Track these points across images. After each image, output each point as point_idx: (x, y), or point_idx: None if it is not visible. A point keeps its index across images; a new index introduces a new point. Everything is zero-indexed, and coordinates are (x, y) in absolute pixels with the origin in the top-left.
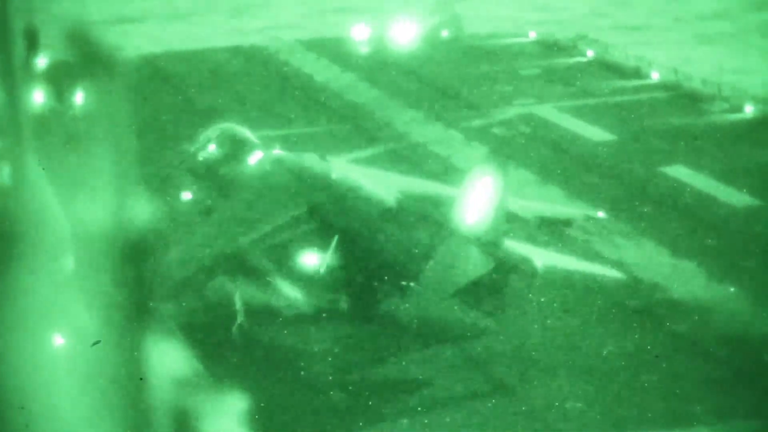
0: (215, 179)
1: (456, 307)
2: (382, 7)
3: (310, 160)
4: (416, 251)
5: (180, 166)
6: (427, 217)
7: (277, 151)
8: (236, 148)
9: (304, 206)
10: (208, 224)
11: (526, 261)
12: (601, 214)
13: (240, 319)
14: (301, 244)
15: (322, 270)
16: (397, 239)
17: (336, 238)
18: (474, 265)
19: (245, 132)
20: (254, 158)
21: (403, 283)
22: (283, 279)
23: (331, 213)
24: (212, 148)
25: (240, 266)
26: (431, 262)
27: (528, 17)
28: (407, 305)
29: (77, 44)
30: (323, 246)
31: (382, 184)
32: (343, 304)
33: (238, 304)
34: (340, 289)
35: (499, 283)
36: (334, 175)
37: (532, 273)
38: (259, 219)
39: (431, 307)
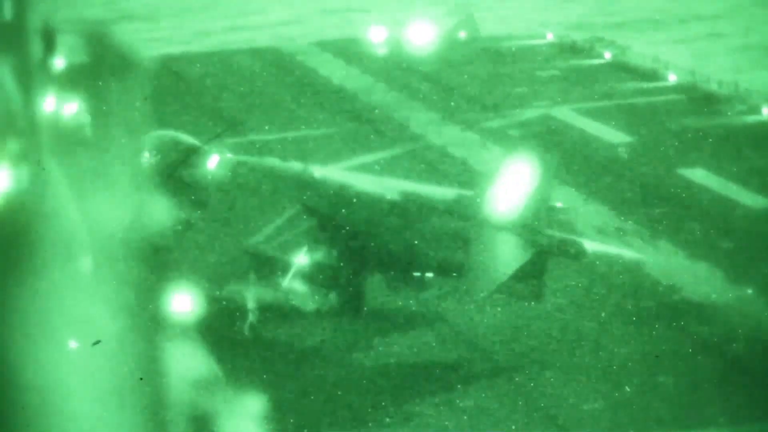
0: (176, 188)
1: (499, 308)
2: (389, 7)
3: (272, 161)
4: (447, 244)
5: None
6: (445, 211)
7: (230, 155)
8: (184, 154)
9: (297, 205)
10: (198, 231)
11: (572, 243)
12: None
13: (252, 318)
14: (310, 242)
15: (340, 266)
16: (418, 233)
17: (344, 233)
18: (513, 254)
19: (187, 137)
20: (212, 162)
21: (441, 276)
22: (297, 278)
23: (329, 210)
24: (155, 156)
25: (252, 267)
26: (468, 256)
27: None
28: (448, 302)
29: (94, 46)
30: (333, 243)
31: (377, 184)
32: (365, 301)
33: (251, 305)
34: (362, 286)
35: (539, 270)
36: (317, 175)
37: (580, 254)
38: (252, 221)
39: (475, 303)
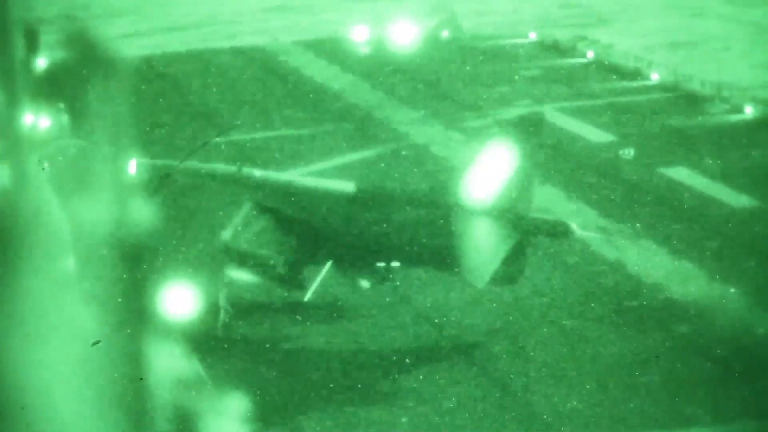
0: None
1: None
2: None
3: (199, 165)
4: (414, 233)
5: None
6: (416, 201)
7: (154, 161)
8: (90, 162)
9: (248, 204)
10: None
11: (558, 224)
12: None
13: (226, 316)
14: (270, 239)
15: (299, 259)
16: (384, 224)
17: (300, 227)
18: (488, 238)
19: (84, 144)
20: (132, 167)
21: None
22: (266, 273)
23: (283, 207)
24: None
25: (228, 263)
26: (437, 243)
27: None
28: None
29: (78, 45)
30: (291, 237)
31: (329, 181)
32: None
33: (224, 302)
34: (322, 277)
35: (517, 253)
36: (258, 174)
37: (565, 234)
38: (201, 223)
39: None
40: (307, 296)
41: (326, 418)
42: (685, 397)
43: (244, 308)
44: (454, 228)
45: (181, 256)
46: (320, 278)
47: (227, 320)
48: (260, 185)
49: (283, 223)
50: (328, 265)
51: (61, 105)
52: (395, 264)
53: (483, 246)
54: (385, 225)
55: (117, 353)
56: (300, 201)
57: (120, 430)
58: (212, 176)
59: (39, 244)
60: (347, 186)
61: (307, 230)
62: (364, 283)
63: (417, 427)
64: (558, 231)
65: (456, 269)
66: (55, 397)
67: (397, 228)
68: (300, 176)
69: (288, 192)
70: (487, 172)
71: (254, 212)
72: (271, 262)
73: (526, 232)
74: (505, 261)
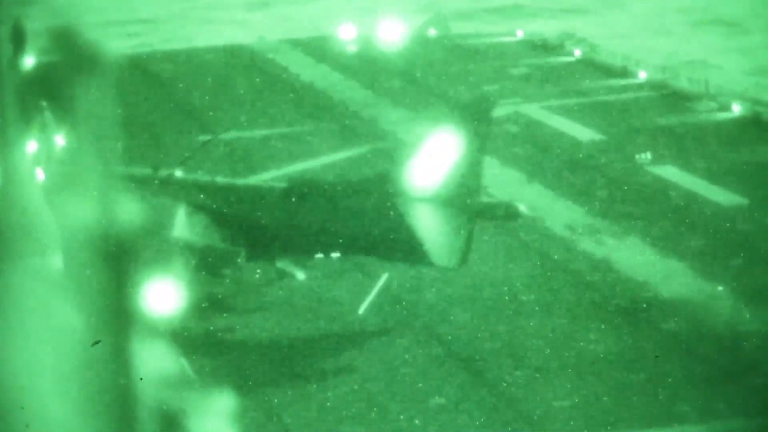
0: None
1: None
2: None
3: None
4: (360, 222)
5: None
6: (362, 191)
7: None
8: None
9: (184, 203)
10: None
11: (507, 207)
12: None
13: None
14: (214, 235)
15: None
16: (328, 213)
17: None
18: (436, 223)
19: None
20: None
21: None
22: (227, 266)
23: (218, 206)
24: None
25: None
26: (383, 230)
27: None
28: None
29: (65, 44)
30: (229, 233)
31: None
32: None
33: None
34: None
35: (464, 236)
36: (183, 176)
37: (511, 216)
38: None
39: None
40: (362, 309)
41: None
42: (672, 394)
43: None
44: (398, 215)
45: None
46: (376, 290)
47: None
48: (191, 187)
49: (222, 220)
50: (384, 277)
51: (50, 103)
52: (335, 255)
53: (439, 231)
54: (322, 216)
55: (104, 352)
56: (233, 199)
57: (104, 427)
58: (143, 180)
59: (25, 242)
60: (280, 183)
61: (245, 226)
62: (299, 275)
63: None
64: (507, 213)
65: (399, 257)
66: (40, 397)
67: (334, 219)
68: (223, 178)
69: (219, 192)
70: (434, 157)
71: (193, 211)
72: (237, 256)
73: (476, 215)
74: (468, 242)
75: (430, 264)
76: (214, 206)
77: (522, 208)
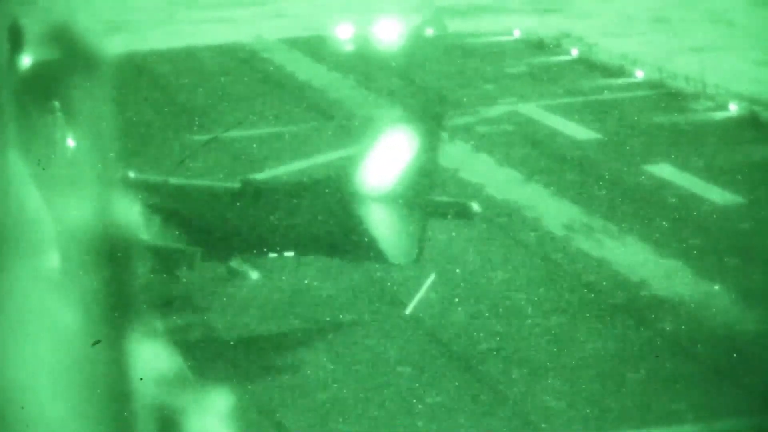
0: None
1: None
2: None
3: None
4: (312, 221)
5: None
6: (314, 190)
7: None
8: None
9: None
10: None
11: (460, 205)
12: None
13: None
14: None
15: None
16: (281, 213)
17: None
18: (389, 221)
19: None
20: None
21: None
22: (185, 266)
23: (170, 206)
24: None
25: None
26: (335, 228)
27: None
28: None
29: (62, 43)
30: (188, 233)
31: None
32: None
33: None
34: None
35: (417, 233)
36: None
37: (463, 215)
38: None
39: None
40: (409, 309)
41: None
42: (669, 394)
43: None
44: (350, 214)
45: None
46: (423, 290)
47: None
48: (145, 188)
49: (178, 220)
50: (432, 277)
51: (47, 103)
52: (288, 254)
53: (392, 228)
54: (277, 216)
55: (100, 351)
56: (186, 200)
57: (101, 426)
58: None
59: (23, 242)
60: (233, 183)
61: (200, 226)
62: (253, 275)
63: None
64: (460, 211)
65: (353, 254)
66: (37, 396)
67: (289, 218)
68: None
69: (174, 193)
70: (387, 157)
71: (148, 212)
72: (195, 255)
73: (429, 214)
74: (421, 239)
75: (385, 261)
76: (169, 207)
77: (475, 206)
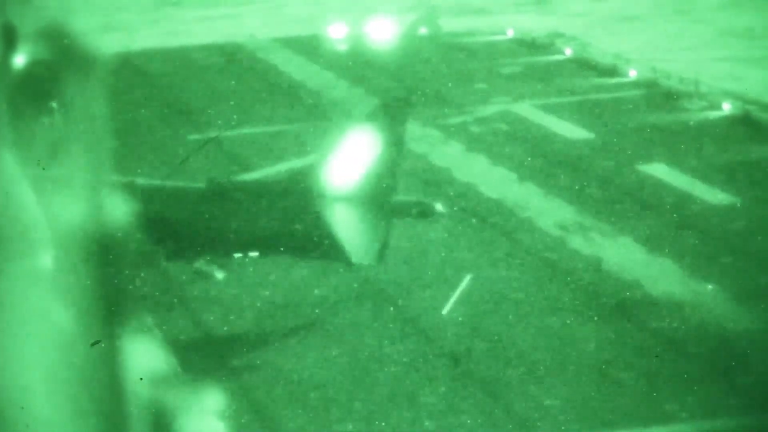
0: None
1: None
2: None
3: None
4: (275, 221)
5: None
6: (277, 191)
7: None
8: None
9: None
10: None
11: (422, 205)
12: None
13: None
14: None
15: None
16: (243, 213)
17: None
18: (350, 221)
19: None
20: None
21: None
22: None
23: (134, 206)
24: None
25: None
26: (297, 228)
27: None
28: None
29: (56, 42)
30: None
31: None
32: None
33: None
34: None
35: (380, 233)
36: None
37: (424, 214)
38: None
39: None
40: (446, 309)
41: None
42: (663, 393)
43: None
44: (314, 214)
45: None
46: (459, 291)
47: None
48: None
49: (141, 221)
50: (467, 278)
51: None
52: (253, 254)
53: (355, 229)
54: (241, 216)
55: (94, 351)
56: (152, 200)
57: (96, 427)
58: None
59: (19, 243)
60: (198, 183)
61: (164, 226)
62: (219, 275)
63: None
64: (422, 211)
65: (317, 254)
66: (31, 397)
67: (253, 218)
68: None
69: (138, 193)
70: (351, 158)
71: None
72: (158, 255)
73: (392, 214)
74: (384, 239)
75: (348, 261)
76: (133, 207)
77: (438, 206)
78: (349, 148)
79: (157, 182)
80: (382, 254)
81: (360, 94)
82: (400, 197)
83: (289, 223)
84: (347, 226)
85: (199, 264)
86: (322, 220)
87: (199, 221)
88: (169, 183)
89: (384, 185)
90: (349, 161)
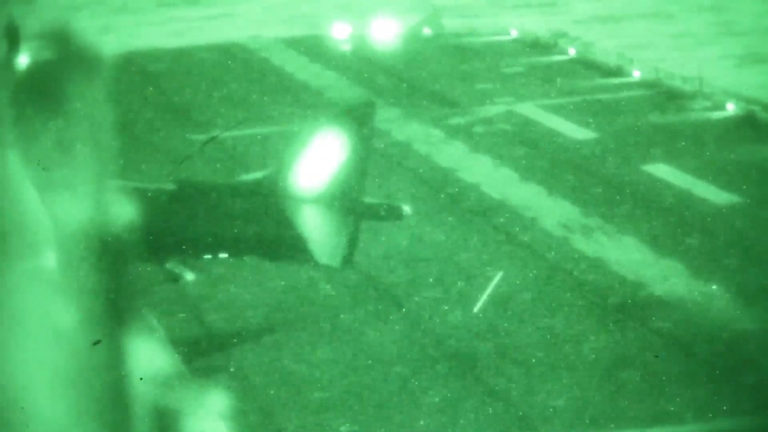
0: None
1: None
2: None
3: None
4: (243, 223)
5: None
6: (244, 193)
7: None
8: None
9: None
10: None
11: (391, 207)
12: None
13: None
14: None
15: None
16: (211, 215)
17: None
18: (318, 223)
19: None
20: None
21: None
22: None
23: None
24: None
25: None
26: (265, 230)
27: None
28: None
29: (59, 42)
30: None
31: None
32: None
33: None
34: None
35: (348, 235)
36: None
37: (392, 216)
38: None
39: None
40: (477, 307)
41: None
42: (667, 394)
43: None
44: (282, 216)
45: None
46: (490, 289)
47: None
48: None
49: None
50: (498, 276)
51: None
52: (223, 255)
53: (322, 231)
54: (210, 217)
55: (99, 352)
56: (120, 201)
57: (101, 427)
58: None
59: (22, 243)
60: (168, 185)
61: (132, 227)
62: (188, 276)
63: None
64: (390, 213)
65: (285, 256)
66: (33, 397)
67: (222, 220)
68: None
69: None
70: (319, 160)
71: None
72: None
73: (360, 216)
74: (351, 242)
75: (315, 263)
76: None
77: (405, 208)
78: (317, 151)
79: (127, 183)
80: (349, 256)
81: (362, 94)
82: (368, 199)
83: (258, 224)
84: (315, 227)
85: (170, 265)
86: (290, 222)
87: (168, 222)
88: (140, 184)
89: (352, 187)
90: (317, 163)
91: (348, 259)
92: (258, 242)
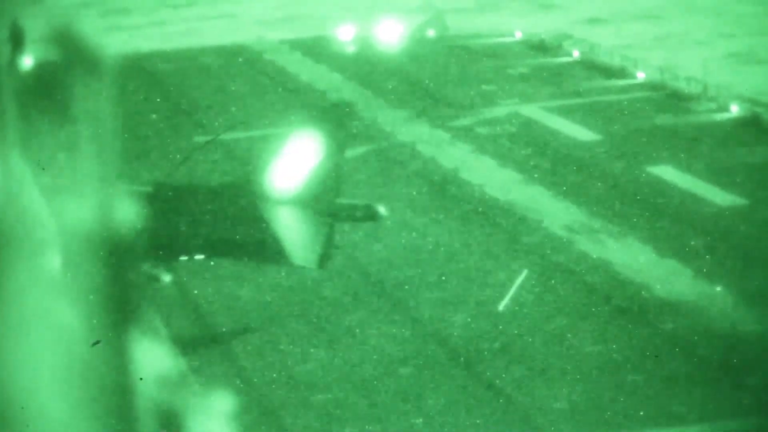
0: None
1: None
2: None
3: None
4: (222, 226)
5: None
6: (225, 195)
7: None
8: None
9: None
10: None
11: (366, 208)
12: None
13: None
14: None
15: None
16: (188, 217)
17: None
18: (296, 225)
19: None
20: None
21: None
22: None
23: None
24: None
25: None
26: (243, 233)
27: None
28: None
29: (62, 43)
30: None
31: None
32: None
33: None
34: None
35: (324, 237)
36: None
37: (368, 217)
38: None
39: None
40: (502, 305)
41: None
42: (671, 395)
43: None
44: (258, 218)
45: None
46: (515, 287)
47: None
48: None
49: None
50: (525, 273)
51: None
52: (199, 257)
53: (298, 232)
54: (187, 219)
55: (102, 351)
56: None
57: (104, 428)
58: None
59: (25, 243)
60: (145, 187)
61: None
62: (165, 278)
63: None
64: (366, 214)
65: (261, 258)
66: (38, 397)
67: (199, 222)
68: None
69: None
70: (294, 161)
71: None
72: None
73: (335, 217)
74: (327, 243)
75: (291, 264)
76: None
77: (381, 209)
78: (293, 153)
79: (108, 186)
80: (325, 257)
81: (367, 96)
82: (344, 200)
83: (234, 226)
84: (290, 229)
85: (146, 267)
86: (267, 224)
87: (145, 224)
88: (118, 186)
89: (327, 189)
90: (293, 166)
91: (324, 260)
92: (234, 244)
